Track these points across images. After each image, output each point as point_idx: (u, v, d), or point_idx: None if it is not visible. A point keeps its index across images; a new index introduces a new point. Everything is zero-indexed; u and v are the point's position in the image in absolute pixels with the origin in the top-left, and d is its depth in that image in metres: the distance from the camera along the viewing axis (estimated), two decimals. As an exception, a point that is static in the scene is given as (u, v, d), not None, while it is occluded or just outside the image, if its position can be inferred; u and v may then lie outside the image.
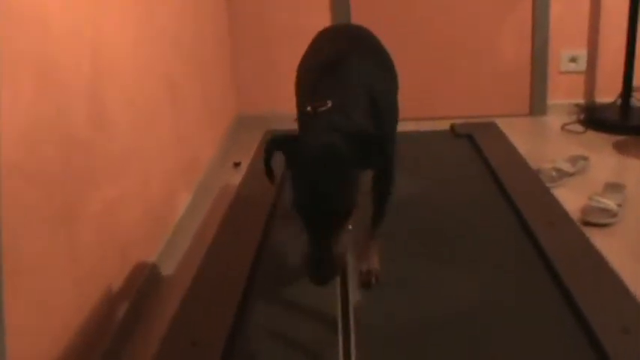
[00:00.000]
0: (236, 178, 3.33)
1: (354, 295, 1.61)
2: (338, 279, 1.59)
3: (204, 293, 1.95)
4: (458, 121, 3.30)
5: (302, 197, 1.44)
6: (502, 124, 3.29)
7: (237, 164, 4.03)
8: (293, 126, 3.08)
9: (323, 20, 4.49)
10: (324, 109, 1.62)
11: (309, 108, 1.65)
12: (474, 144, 2.96)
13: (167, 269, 2.94)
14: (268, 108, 4.69)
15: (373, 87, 1.78)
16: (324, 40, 2.11)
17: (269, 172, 1.64)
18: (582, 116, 4.56)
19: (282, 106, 4.50)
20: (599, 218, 3.04)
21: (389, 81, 2.00)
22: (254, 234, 2.27)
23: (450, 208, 2.43)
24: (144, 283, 2.69)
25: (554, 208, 2.33)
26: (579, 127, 4.42)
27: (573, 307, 1.77)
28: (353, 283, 1.60)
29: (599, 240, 2.57)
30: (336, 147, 1.48)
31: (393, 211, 2.14)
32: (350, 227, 1.48)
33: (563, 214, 2.28)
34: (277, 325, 1.82)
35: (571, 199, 3.19)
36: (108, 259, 2.41)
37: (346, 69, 1.79)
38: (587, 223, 3.01)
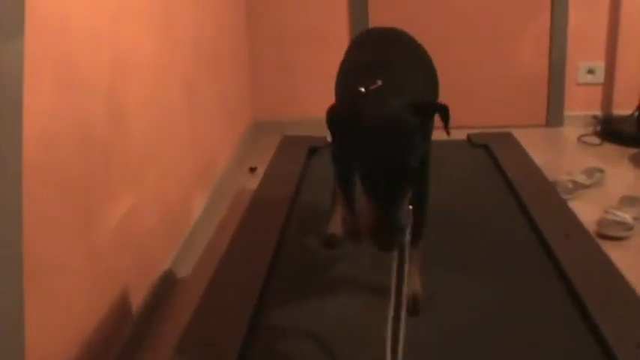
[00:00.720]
0: (252, 183, 3.35)
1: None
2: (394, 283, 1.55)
3: (219, 297, 1.96)
4: (474, 131, 3.30)
5: (369, 161, 1.45)
6: (518, 134, 3.28)
7: (253, 169, 4.04)
8: (309, 131, 3.10)
9: (341, 25, 4.50)
10: (375, 86, 1.62)
11: (362, 89, 1.64)
12: (491, 154, 2.96)
13: (183, 272, 2.95)
14: (285, 113, 4.70)
15: (420, 82, 1.83)
16: (363, 45, 2.10)
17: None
18: (599, 128, 4.55)
19: (299, 112, 4.53)
20: (614, 231, 3.04)
21: (434, 84, 2.03)
22: (270, 238, 2.27)
23: (466, 219, 2.42)
24: (160, 286, 2.71)
25: (571, 220, 2.33)
26: (596, 139, 4.41)
27: (588, 320, 1.77)
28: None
29: (615, 253, 2.56)
30: (400, 112, 1.50)
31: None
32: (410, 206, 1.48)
33: (579, 227, 2.28)
34: (293, 330, 1.83)
35: (587, 211, 3.18)
36: (124, 261, 2.42)
37: (395, 60, 1.81)
38: (602, 236, 3.01)
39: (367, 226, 1.45)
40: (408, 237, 1.51)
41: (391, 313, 1.51)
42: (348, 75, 1.92)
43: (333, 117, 1.57)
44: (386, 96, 1.59)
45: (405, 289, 1.52)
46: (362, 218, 1.48)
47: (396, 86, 1.64)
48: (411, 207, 1.48)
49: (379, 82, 1.63)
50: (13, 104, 1.30)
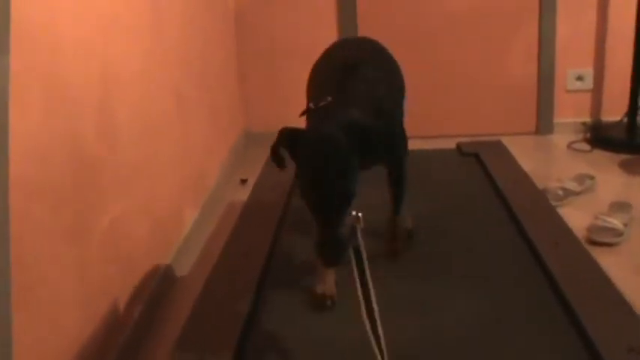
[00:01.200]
0: (243, 195, 3.35)
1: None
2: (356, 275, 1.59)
3: (211, 306, 1.97)
4: (464, 140, 3.31)
5: (306, 184, 1.55)
6: (509, 142, 3.30)
7: (243, 181, 4.04)
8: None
9: (330, 37, 4.49)
10: (324, 103, 1.74)
11: (311, 104, 1.79)
12: (481, 163, 2.97)
13: (175, 281, 2.95)
14: (276, 125, 4.65)
15: (376, 89, 1.88)
16: (335, 49, 2.19)
17: (279, 159, 1.70)
18: (589, 135, 4.57)
19: (289, 124, 4.52)
20: (605, 237, 3.05)
21: (394, 87, 2.07)
22: (262, 247, 2.28)
23: (456, 228, 2.43)
24: (150, 298, 2.70)
25: (560, 227, 2.34)
26: (586, 146, 4.42)
27: (578, 326, 1.77)
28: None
29: (605, 259, 2.58)
30: (333, 135, 1.58)
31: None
32: (355, 213, 1.58)
33: (569, 234, 2.29)
34: (286, 337, 1.83)
35: (577, 217, 3.19)
36: (115, 273, 2.42)
37: (351, 72, 1.88)
38: (593, 243, 3.01)
39: (314, 243, 1.53)
40: (360, 241, 1.59)
41: (366, 319, 1.54)
42: (310, 86, 2.08)
43: (280, 140, 1.67)
44: (329, 115, 1.69)
45: (372, 292, 1.58)
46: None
47: (343, 103, 1.74)
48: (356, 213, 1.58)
49: (329, 99, 1.74)
50: (1, 118, 1.30)
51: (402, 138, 2.05)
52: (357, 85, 1.83)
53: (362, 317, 1.54)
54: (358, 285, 1.57)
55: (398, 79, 2.17)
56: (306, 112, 1.83)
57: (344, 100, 1.75)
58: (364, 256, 1.60)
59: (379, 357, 1.48)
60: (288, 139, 1.65)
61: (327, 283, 1.97)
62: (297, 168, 1.60)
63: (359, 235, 1.60)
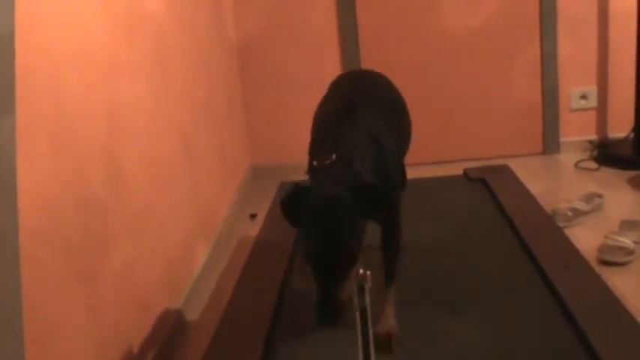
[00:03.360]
0: (253, 230, 3.36)
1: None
2: (360, 337, 1.59)
3: (225, 347, 1.98)
4: (471, 164, 3.32)
5: (308, 246, 1.57)
6: (515, 163, 3.31)
7: (253, 216, 4.05)
8: (306, 176, 3.12)
9: (334, 69, 4.54)
10: (328, 162, 1.73)
11: (315, 162, 1.78)
12: (488, 188, 2.98)
13: (188, 322, 2.95)
14: (282, 158, 4.72)
15: (378, 134, 1.86)
16: (337, 88, 2.20)
17: (291, 216, 1.71)
18: (595, 153, 4.57)
19: (295, 157, 4.53)
20: (616, 257, 3.03)
21: (397, 127, 2.07)
22: (273, 286, 2.29)
23: (464, 254, 2.44)
24: (165, 339, 2.71)
25: (569, 251, 2.34)
26: (593, 164, 4.42)
27: (591, 353, 1.77)
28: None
29: (617, 279, 2.58)
30: (339, 199, 1.60)
31: (405, 257, 2.16)
32: (362, 271, 1.54)
33: (578, 256, 2.29)
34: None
35: (587, 238, 3.19)
36: (128, 317, 2.43)
37: (351, 118, 1.88)
38: (604, 262, 3.00)
39: (313, 302, 1.56)
40: (367, 299, 1.56)
41: None
42: (314, 132, 2.05)
43: (282, 206, 1.70)
44: (331, 178, 1.69)
45: (372, 350, 1.56)
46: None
47: (346, 162, 1.73)
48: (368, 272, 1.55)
49: (333, 157, 1.73)
50: (8, 178, 1.33)
51: (400, 191, 2.07)
52: (357, 135, 1.83)
53: None
54: (360, 350, 1.56)
55: (401, 112, 2.19)
56: (310, 169, 1.83)
57: (347, 157, 1.75)
58: (369, 319, 1.59)
59: None
60: (298, 196, 1.67)
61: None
62: (302, 228, 1.61)
63: (366, 294, 1.58)
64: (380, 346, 1.77)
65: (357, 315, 1.59)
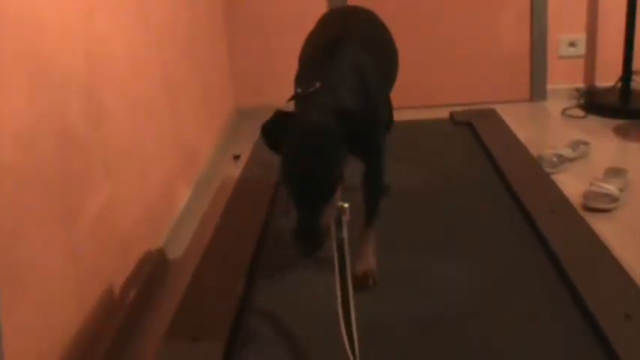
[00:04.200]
0: (236, 171, 3.32)
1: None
2: (336, 269, 1.59)
3: (206, 283, 1.97)
4: (457, 109, 3.29)
5: (289, 172, 1.54)
6: (502, 110, 3.28)
7: (236, 157, 4.02)
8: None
9: (320, 8, 4.46)
10: (312, 90, 1.69)
11: (299, 90, 1.75)
12: (474, 132, 2.95)
13: (169, 262, 2.94)
14: (267, 100, 4.65)
15: (364, 69, 1.83)
16: (325, 22, 2.17)
17: (272, 142, 1.67)
18: (582, 101, 4.54)
19: (280, 98, 4.48)
20: (600, 203, 3.03)
21: (383, 60, 2.03)
22: (255, 225, 2.27)
23: (450, 197, 2.42)
24: (145, 278, 2.69)
25: (555, 195, 2.32)
26: (580, 112, 4.40)
27: (575, 294, 1.77)
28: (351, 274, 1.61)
29: (601, 225, 2.57)
30: (321, 124, 1.57)
31: (392, 200, 2.13)
32: (341, 204, 1.59)
33: (564, 201, 2.27)
34: (280, 315, 1.83)
35: (572, 184, 3.18)
36: (108, 256, 2.40)
37: (338, 52, 1.84)
38: (588, 209, 3.00)
39: (291, 230, 1.52)
40: (345, 233, 1.59)
41: (340, 312, 1.54)
42: (300, 62, 2.04)
43: (263, 131, 1.65)
44: (314, 105, 1.65)
45: (350, 282, 1.58)
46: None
47: (331, 89, 1.70)
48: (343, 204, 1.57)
49: (317, 85, 1.70)
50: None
51: (384, 130, 2.01)
52: (343, 67, 1.79)
53: (337, 318, 1.52)
54: (337, 282, 1.57)
55: (388, 49, 2.15)
56: (294, 97, 1.79)
57: (331, 85, 1.71)
58: (347, 252, 1.59)
59: (351, 358, 1.46)
60: (280, 122, 1.63)
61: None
62: (283, 153, 1.58)
63: (344, 227, 1.59)
64: (357, 283, 1.78)
65: (335, 247, 1.58)
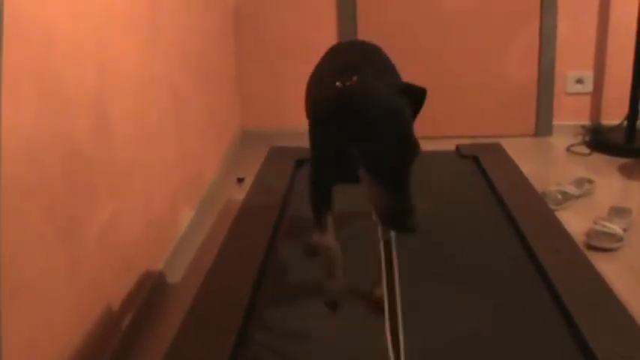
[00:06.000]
0: (240, 194, 3.32)
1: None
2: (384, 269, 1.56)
3: (207, 307, 1.95)
4: (463, 142, 3.29)
5: (388, 148, 1.44)
6: (507, 144, 3.28)
7: (240, 180, 4.02)
8: (297, 142, 3.08)
9: (329, 36, 4.50)
10: (352, 82, 1.61)
11: (338, 83, 1.63)
12: (479, 166, 2.95)
13: (170, 282, 2.92)
14: (273, 123, 4.69)
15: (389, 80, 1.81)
16: (334, 53, 2.14)
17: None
18: (588, 138, 4.55)
19: (286, 122, 4.51)
20: (604, 243, 3.02)
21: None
22: (258, 249, 2.26)
23: (453, 231, 2.41)
24: (146, 297, 2.68)
25: (559, 233, 2.31)
26: (585, 149, 4.40)
27: (577, 334, 1.75)
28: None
29: (604, 265, 2.56)
30: (395, 94, 1.53)
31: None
32: None
33: (568, 240, 2.26)
34: (281, 342, 1.82)
35: (576, 222, 3.17)
36: (109, 274, 2.39)
37: (354, 71, 1.79)
38: (591, 248, 2.99)
39: (387, 214, 1.46)
40: (392, 234, 1.53)
41: (387, 324, 1.51)
42: (322, 77, 1.93)
43: (327, 105, 1.55)
44: (373, 84, 1.59)
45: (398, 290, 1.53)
46: (377, 209, 1.48)
47: (373, 80, 1.65)
48: None
49: (354, 79, 1.62)
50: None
51: None
52: (375, 73, 1.76)
53: (384, 323, 1.50)
54: (384, 282, 1.52)
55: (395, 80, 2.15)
56: (332, 90, 1.66)
57: (371, 79, 1.66)
58: (394, 250, 1.54)
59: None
60: (342, 103, 1.54)
61: (337, 279, 1.81)
62: (364, 132, 1.46)
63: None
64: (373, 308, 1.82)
65: (382, 246, 1.54)
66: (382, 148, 1.44)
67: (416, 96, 1.57)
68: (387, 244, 1.55)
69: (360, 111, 1.48)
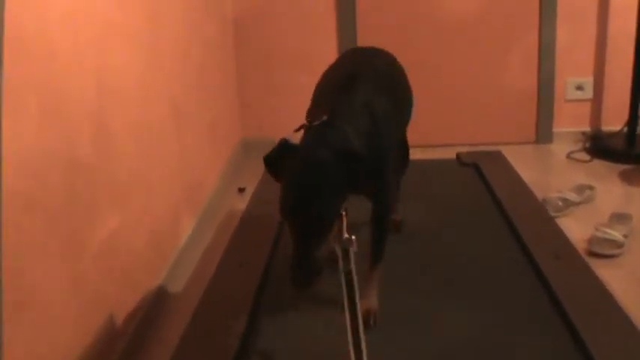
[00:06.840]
0: (241, 204, 3.33)
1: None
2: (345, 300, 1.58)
3: (208, 318, 1.96)
4: (464, 150, 3.30)
5: (284, 203, 1.56)
6: (508, 151, 3.28)
7: (241, 190, 4.02)
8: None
9: (329, 46, 4.50)
10: (318, 123, 1.70)
11: (306, 122, 1.76)
12: (480, 173, 2.96)
13: (171, 294, 2.92)
14: (274, 133, 4.67)
15: (374, 107, 1.84)
16: (343, 59, 2.19)
17: (274, 171, 1.70)
18: (588, 144, 4.55)
19: (287, 132, 4.52)
20: (605, 249, 3.02)
21: (397, 104, 2.03)
22: (259, 260, 2.27)
23: (454, 239, 2.42)
24: (148, 310, 2.68)
25: (560, 239, 2.32)
26: (585, 156, 4.41)
27: (578, 341, 1.75)
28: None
29: (605, 271, 2.56)
30: (321, 159, 1.58)
31: (397, 239, 2.12)
32: (348, 236, 1.58)
33: (569, 246, 2.27)
34: (283, 351, 1.82)
35: (577, 229, 3.17)
36: (111, 285, 2.40)
37: (350, 88, 1.86)
38: (592, 254, 2.99)
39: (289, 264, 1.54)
40: (352, 263, 1.58)
41: (351, 352, 1.54)
42: (323, 87, 2.03)
43: (266, 161, 1.68)
44: (318, 139, 1.66)
45: (359, 310, 1.57)
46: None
47: (337, 125, 1.71)
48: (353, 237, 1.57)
49: (324, 118, 1.71)
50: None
51: (390, 166, 1.98)
52: (353, 103, 1.81)
53: (348, 348, 1.52)
54: (347, 314, 1.56)
55: (402, 90, 2.16)
56: (302, 128, 1.79)
57: (339, 120, 1.72)
58: (355, 282, 1.58)
59: None
60: (283, 152, 1.65)
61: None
62: (282, 184, 1.60)
63: (352, 258, 1.58)
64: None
65: (342, 278, 1.58)
66: (284, 201, 1.57)
67: (352, 160, 1.61)
68: (347, 274, 1.59)
69: (285, 161, 1.62)
